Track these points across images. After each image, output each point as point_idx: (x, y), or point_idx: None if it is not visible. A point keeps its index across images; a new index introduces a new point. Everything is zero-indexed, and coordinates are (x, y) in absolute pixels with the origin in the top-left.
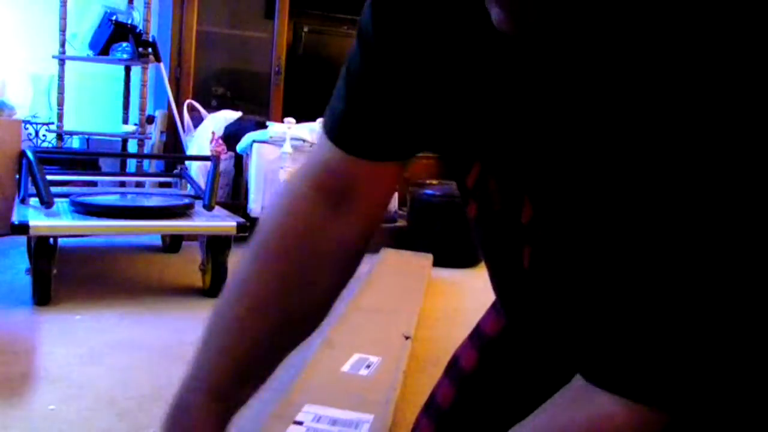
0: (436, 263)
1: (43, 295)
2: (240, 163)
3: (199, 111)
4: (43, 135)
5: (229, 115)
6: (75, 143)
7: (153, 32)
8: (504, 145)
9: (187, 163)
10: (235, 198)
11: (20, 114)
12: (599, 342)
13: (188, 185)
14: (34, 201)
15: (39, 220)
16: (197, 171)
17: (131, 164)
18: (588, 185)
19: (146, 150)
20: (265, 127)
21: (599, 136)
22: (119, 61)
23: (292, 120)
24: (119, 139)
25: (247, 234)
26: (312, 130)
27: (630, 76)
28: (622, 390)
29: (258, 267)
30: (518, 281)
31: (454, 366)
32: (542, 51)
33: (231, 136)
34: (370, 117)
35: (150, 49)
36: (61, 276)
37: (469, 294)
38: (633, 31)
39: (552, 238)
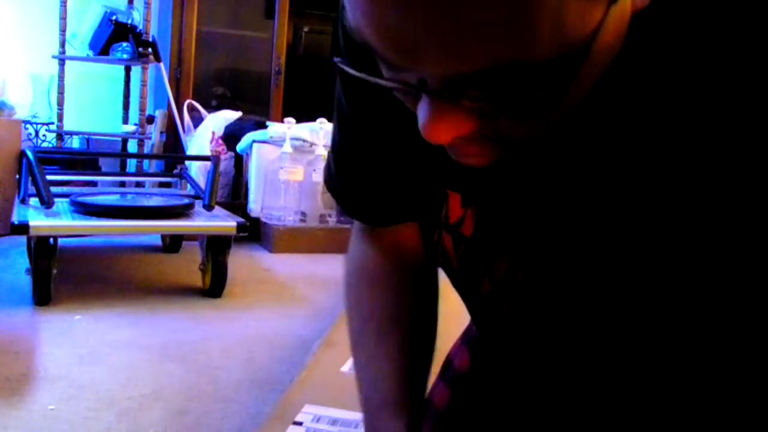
0: None
1: (43, 295)
2: (240, 163)
3: (199, 111)
4: (43, 135)
5: (229, 115)
6: (75, 143)
7: (153, 32)
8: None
9: (187, 163)
10: (235, 198)
11: (20, 114)
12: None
13: (188, 185)
14: (34, 201)
15: (39, 220)
16: (197, 171)
17: (131, 164)
18: (571, 252)
19: (146, 150)
20: (265, 127)
21: (578, 211)
22: (119, 61)
23: (292, 120)
24: (119, 139)
25: (246, 234)
26: (312, 130)
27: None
28: None
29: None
30: (495, 325)
31: (448, 368)
32: None
33: (231, 136)
34: (358, 189)
35: (150, 49)
36: (61, 276)
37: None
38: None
39: (532, 296)
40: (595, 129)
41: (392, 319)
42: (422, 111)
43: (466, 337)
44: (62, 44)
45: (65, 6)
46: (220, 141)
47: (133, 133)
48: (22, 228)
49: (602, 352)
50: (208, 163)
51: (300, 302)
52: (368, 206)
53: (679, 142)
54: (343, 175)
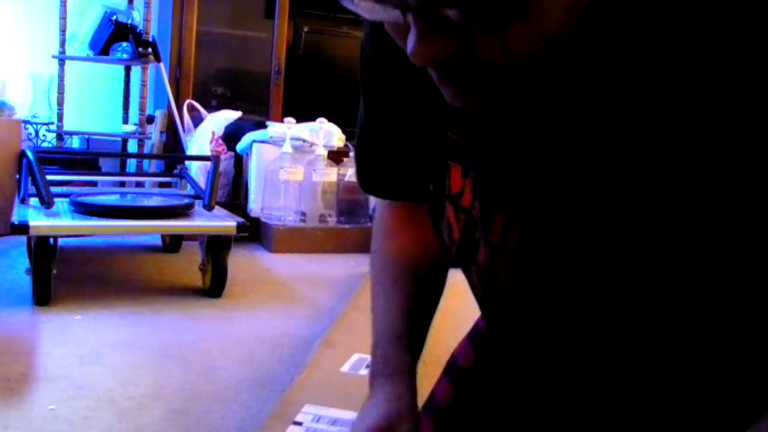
0: None
1: (43, 295)
2: (240, 163)
3: (199, 111)
4: (43, 135)
5: (229, 115)
6: (75, 143)
7: (153, 32)
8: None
9: (187, 163)
10: (235, 198)
11: (20, 114)
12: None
13: (188, 185)
14: (34, 201)
15: (39, 220)
16: (197, 171)
17: (131, 164)
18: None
19: (146, 150)
20: (265, 127)
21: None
22: (119, 61)
23: (292, 120)
24: (119, 139)
25: (246, 234)
26: (312, 130)
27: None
28: None
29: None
30: (494, 296)
31: (452, 366)
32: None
33: (231, 136)
34: (377, 159)
35: (150, 49)
36: (61, 276)
37: (468, 294)
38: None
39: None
40: (575, 75)
41: (407, 267)
42: (410, 39)
43: (472, 336)
44: (62, 44)
45: (65, 6)
46: (220, 141)
47: (133, 133)
48: (22, 228)
49: (599, 332)
50: (208, 163)
51: (300, 302)
52: (384, 181)
53: (666, 82)
54: (363, 151)
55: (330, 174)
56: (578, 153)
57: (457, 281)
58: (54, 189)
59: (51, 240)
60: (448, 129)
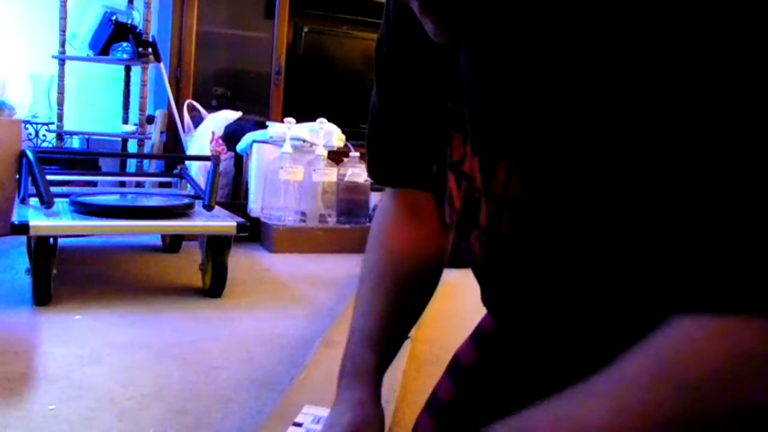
0: None
1: (43, 295)
2: (240, 163)
3: (199, 111)
4: (43, 135)
5: (229, 115)
6: (75, 143)
7: (153, 32)
8: (482, 118)
9: (187, 163)
10: (235, 198)
11: (20, 114)
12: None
13: (188, 185)
14: (34, 201)
15: (39, 220)
16: (197, 171)
17: (131, 164)
18: (559, 143)
19: (146, 150)
20: (265, 127)
21: (556, 98)
22: (119, 61)
23: (292, 120)
24: (119, 139)
25: (246, 234)
26: (312, 130)
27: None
28: (690, 305)
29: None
30: (498, 255)
31: (455, 365)
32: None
33: (231, 136)
34: (387, 145)
35: (150, 49)
36: (61, 276)
37: (468, 294)
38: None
39: (531, 195)
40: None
41: (395, 272)
42: None
43: (475, 337)
44: (62, 44)
45: (65, 6)
46: (220, 141)
47: (133, 133)
48: (22, 228)
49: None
50: (208, 163)
51: (300, 302)
52: (394, 168)
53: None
54: (374, 140)
55: (330, 174)
56: (552, 73)
57: (456, 283)
58: (54, 189)
59: (51, 240)
60: (449, 99)
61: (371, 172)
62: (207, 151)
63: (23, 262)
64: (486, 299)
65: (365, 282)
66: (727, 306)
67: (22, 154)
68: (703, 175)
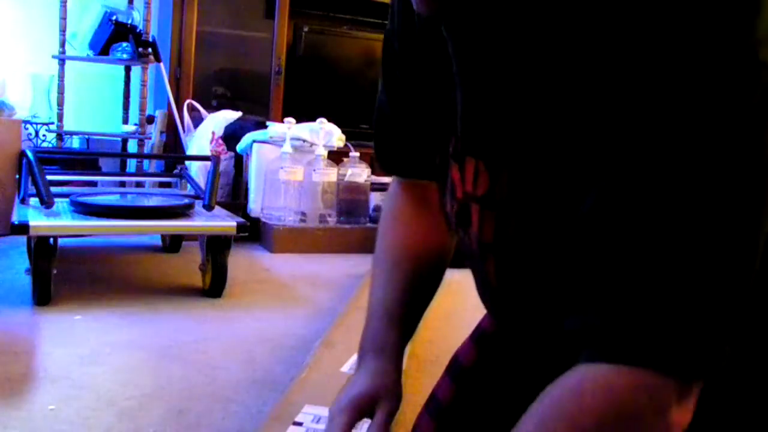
0: None
1: (43, 295)
2: (240, 163)
3: (199, 111)
4: (43, 135)
5: (229, 115)
6: (75, 143)
7: (153, 32)
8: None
9: (187, 163)
10: (235, 198)
11: (20, 114)
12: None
13: (188, 185)
14: (34, 201)
15: (39, 220)
16: (197, 171)
17: (131, 164)
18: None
19: (146, 150)
20: (265, 127)
21: (535, 95)
22: (119, 61)
23: (292, 120)
24: (119, 139)
25: (246, 234)
26: (312, 130)
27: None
28: (606, 355)
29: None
30: (485, 254)
31: (454, 365)
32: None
33: (231, 136)
34: (395, 136)
35: (150, 49)
36: (61, 276)
37: (469, 294)
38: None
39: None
40: None
41: (409, 254)
42: None
43: (474, 337)
44: (62, 44)
45: (65, 6)
46: (220, 141)
47: (133, 133)
48: (22, 228)
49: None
50: (208, 163)
51: (300, 302)
52: (401, 157)
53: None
54: (382, 131)
55: (330, 174)
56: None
57: (456, 282)
58: (54, 189)
59: (51, 240)
60: (452, 91)
61: (379, 160)
62: (207, 151)
63: (23, 262)
64: (480, 296)
65: (381, 264)
66: (617, 357)
67: (22, 154)
68: (620, 224)
